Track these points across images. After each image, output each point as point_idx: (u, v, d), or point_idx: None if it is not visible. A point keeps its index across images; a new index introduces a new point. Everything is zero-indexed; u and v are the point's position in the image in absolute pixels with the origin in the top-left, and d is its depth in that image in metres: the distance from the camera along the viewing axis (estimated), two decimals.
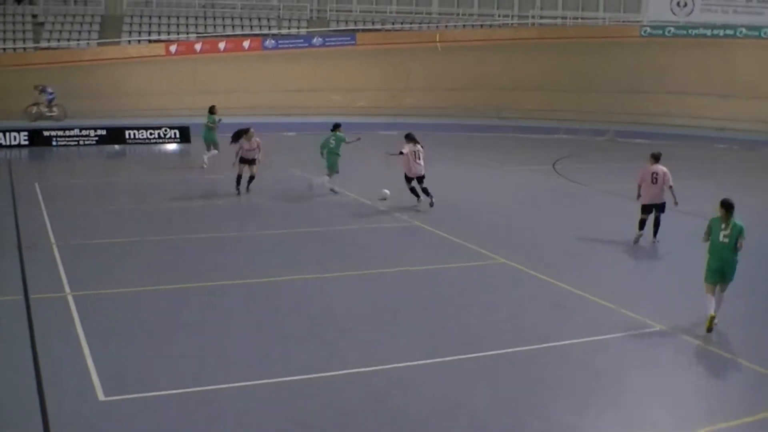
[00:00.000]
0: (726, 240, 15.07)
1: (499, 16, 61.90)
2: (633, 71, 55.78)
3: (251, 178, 27.85)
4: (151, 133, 42.56)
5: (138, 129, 42.72)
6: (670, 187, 21.76)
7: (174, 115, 48.10)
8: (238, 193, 27.48)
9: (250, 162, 27.77)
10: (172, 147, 42.04)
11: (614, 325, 15.14)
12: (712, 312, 14.74)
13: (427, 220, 23.69)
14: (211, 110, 33.06)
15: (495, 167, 34.93)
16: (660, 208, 22.07)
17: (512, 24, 61.60)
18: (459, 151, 39.41)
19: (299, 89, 53.29)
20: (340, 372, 12.53)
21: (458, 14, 61.76)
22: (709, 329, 14.65)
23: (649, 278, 19.17)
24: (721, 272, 15.17)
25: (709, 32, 57.12)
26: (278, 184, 29.48)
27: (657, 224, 22.13)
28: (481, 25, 60.78)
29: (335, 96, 53.59)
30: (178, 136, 42.73)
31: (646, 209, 22.09)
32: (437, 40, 57.67)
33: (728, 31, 56.87)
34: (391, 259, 19.71)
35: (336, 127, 28.53)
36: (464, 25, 60.58)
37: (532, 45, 57.49)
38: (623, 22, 60.92)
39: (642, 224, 22.09)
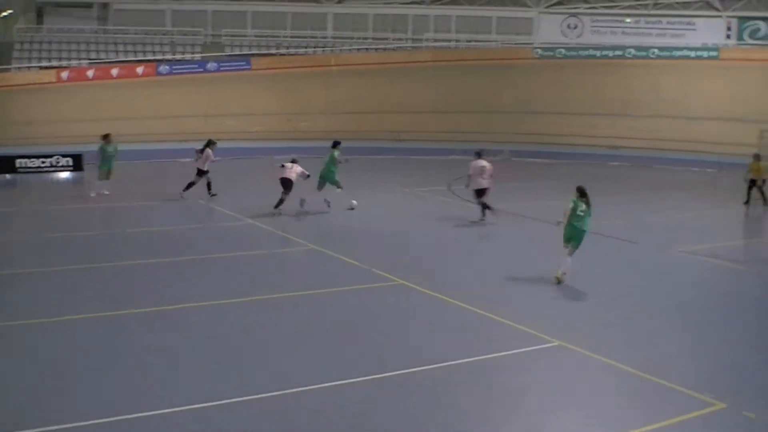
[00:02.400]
0: (582, 214, 20.19)
1: (393, 39, 62.53)
2: (527, 92, 56.90)
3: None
4: (43, 162, 41.79)
5: (29, 157, 41.88)
6: (491, 176, 28.22)
7: (66, 142, 47.42)
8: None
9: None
10: (65, 175, 41.43)
11: (513, 341, 15.52)
12: (563, 269, 20.10)
13: (326, 244, 23.87)
14: (106, 138, 32.84)
15: (393, 189, 35.33)
16: (484, 192, 28.28)
17: (407, 47, 62.26)
18: (354, 174, 39.62)
19: (194, 115, 53.00)
20: (250, 397, 12.56)
21: (353, 38, 62.18)
22: (559, 282, 20.02)
23: (545, 294, 19.54)
24: (572, 237, 20.24)
25: (599, 53, 58.68)
26: (181, 211, 29.42)
27: (485, 206, 28.23)
28: (376, 49, 61.29)
29: (230, 121, 53.45)
30: (71, 164, 42.01)
31: (479, 193, 28.31)
32: (332, 63, 58.05)
33: (618, 52, 58.50)
34: (292, 283, 19.85)
35: (336, 144, 30.83)
36: (359, 49, 61.03)
37: (427, 68, 58.22)
38: (516, 44, 62.06)
39: (484, 206, 28.27)
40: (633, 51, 58.52)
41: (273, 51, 59.92)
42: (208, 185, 31.91)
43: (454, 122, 55.62)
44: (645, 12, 61.50)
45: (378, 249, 23.96)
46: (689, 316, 18.11)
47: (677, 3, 61.12)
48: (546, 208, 30.75)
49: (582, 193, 20.37)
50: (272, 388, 12.93)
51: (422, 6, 63.19)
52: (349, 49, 60.88)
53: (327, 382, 13.19)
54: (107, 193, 32.05)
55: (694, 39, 59.88)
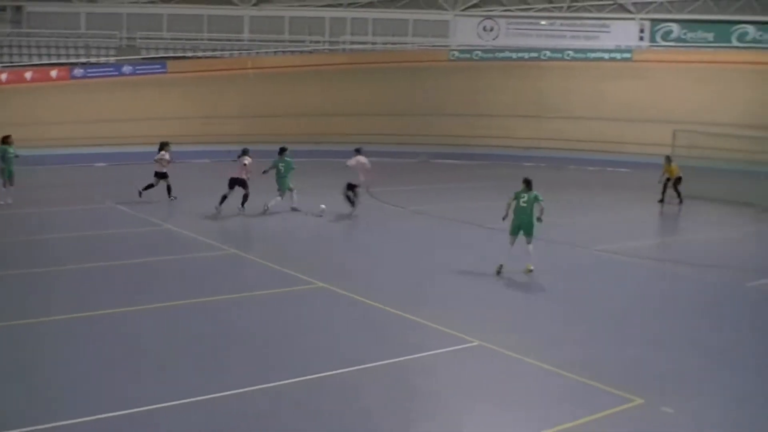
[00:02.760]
0: (525, 204, 21.47)
1: (310, 42, 62.40)
2: (444, 94, 57.21)
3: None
4: None
5: None
6: (367, 170, 30.04)
7: None
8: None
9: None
10: None
11: (433, 342, 15.59)
12: (503, 263, 21.27)
13: (245, 248, 23.74)
14: (5, 140, 31.66)
15: (312, 192, 35.18)
16: (357, 187, 29.89)
17: (324, 50, 62.17)
18: (270, 179, 39.41)
19: (110, 119, 52.28)
20: (163, 405, 12.40)
21: (270, 41, 61.91)
22: (498, 272, 21.22)
23: (464, 294, 19.68)
24: (519, 227, 21.50)
25: (514, 55, 59.23)
26: (95, 217, 28.98)
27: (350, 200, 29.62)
28: (293, 52, 61.11)
29: (145, 125, 52.79)
30: None
31: (352, 187, 29.82)
32: (249, 66, 57.75)
33: (533, 54, 59.11)
34: (211, 287, 19.62)
35: (282, 151, 31.45)
36: (276, 52, 60.80)
37: (345, 70, 58.18)
38: (433, 46, 62.31)
39: (349, 199, 29.60)
40: (548, 53, 59.19)
41: (189, 54, 59.37)
42: (168, 188, 31.93)
43: (371, 125, 55.58)
44: (560, 14, 62.18)
45: (298, 252, 23.87)
46: (607, 315, 18.35)
47: (591, 5, 61.90)
48: (463, 209, 31.04)
49: (527, 184, 21.70)
50: (187, 395, 12.78)
51: (339, 9, 63.13)
52: (266, 52, 60.60)
53: (243, 388, 13.10)
54: (10, 202, 30.88)
55: (608, 41, 60.68)
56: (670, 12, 60.85)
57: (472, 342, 15.58)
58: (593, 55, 58.97)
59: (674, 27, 60.63)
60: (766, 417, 12.82)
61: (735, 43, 59.09)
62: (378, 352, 14.93)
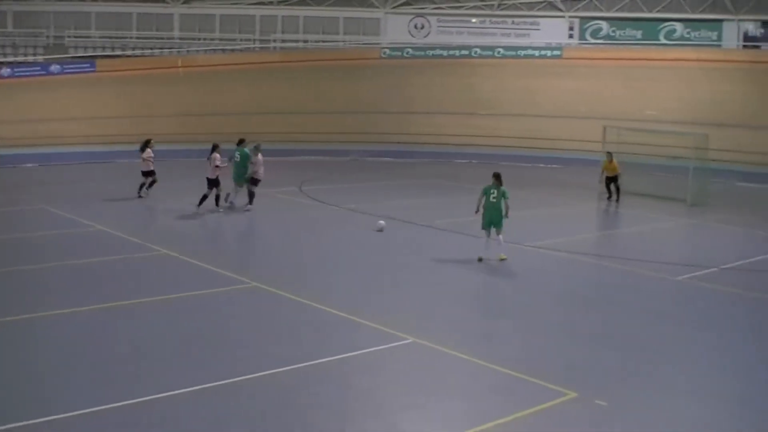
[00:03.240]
0: (494, 200, 22.86)
1: (241, 40, 62.09)
2: (376, 92, 57.15)
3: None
4: None
5: None
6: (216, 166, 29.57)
7: None
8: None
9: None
10: None
11: (368, 340, 15.63)
12: (481, 255, 22.89)
13: (178, 249, 23.47)
14: None
15: (243, 191, 35.00)
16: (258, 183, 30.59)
17: (255, 48, 61.90)
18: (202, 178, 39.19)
19: (38, 119, 51.51)
20: (93, 410, 12.22)
21: (200, 39, 61.50)
22: (480, 260, 22.86)
23: (398, 292, 19.76)
24: (491, 221, 22.92)
25: (446, 53, 59.52)
26: (23, 219, 28.56)
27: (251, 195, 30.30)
28: (223, 50, 60.76)
29: (74, 125, 52.13)
30: None
31: (255, 182, 30.33)
32: (180, 65, 57.29)
33: (464, 52, 59.44)
34: (144, 289, 19.38)
35: (240, 142, 31.80)
36: (206, 50, 60.41)
37: (276, 69, 57.94)
38: (364, 44, 62.35)
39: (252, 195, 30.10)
40: (479, 50, 59.54)
41: (119, 53, 58.78)
42: (150, 184, 32.64)
43: (304, 123, 55.37)
44: (490, 12, 62.57)
45: (231, 252, 23.83)
46: (540, 310, 18.53)
47: (522, 3, 62.38)
48: (396, 208, 31.10)
49: (497, 179, 23.16)
50: (118, 398, 12.63)
51: (270, 6, 62.89)
52: (197, 51, 60.20)
53: (176, 390, 13.00)
54: None
55: (538, 38, 61.24)
56: (599, 10, 61.54)
57: (406, 339, 15.65)
58: (524, 52, 59.47)
59: (603, 25, 61.38)
60: (699, 409, 13.02)
61: (663, 40, 60.00)
62: (312, 351, 14.90)
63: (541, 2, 62.12)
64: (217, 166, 29.88)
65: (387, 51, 60.35)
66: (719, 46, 59.14)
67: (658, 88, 54.45)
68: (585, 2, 61.48)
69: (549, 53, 59.23)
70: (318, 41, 62.69)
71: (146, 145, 32.51)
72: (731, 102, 51.92)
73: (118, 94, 54.55)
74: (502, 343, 15.95)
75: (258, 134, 53.01)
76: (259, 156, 30.72)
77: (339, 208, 31.59)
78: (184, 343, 15.51)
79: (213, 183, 30.06)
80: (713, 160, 38.41)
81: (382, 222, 27.23)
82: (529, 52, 59.51)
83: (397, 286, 20.37)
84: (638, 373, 14.49)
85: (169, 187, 34.28)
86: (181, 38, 61.50)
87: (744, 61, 55.86)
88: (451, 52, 59.89)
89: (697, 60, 56.29)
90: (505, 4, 62.52)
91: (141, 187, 32.44)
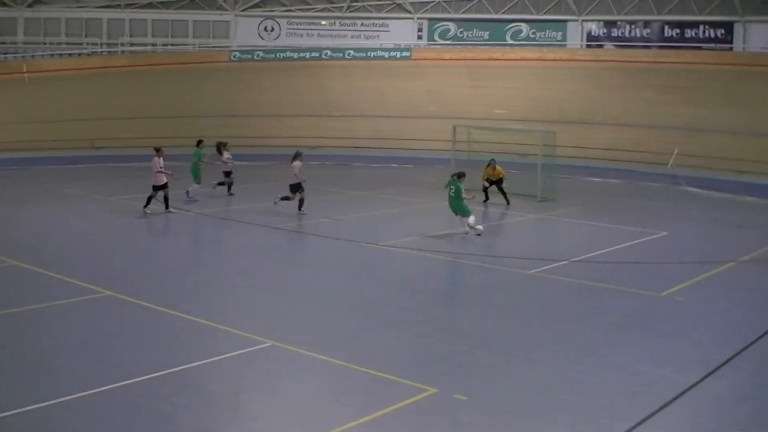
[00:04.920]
0: (452, 194, 26.99)
1: (88, 44, 60.73)
2: (227, 96, 56.64)
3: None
4: None
5: None
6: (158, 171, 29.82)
7: None
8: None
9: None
10: None
11: (226, 345, 15.37)
12: (478, 226, 26.94)
13: (25, 258, 22.63)
14: None
15: (95, 199, 34.22)
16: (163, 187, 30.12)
17: (102, 52, 60.65)
18: (55, 185, 38.19)
19: None
20: None
21: (45, 43, 59.94)
22: (479, 234, 26.81)
23: (256, 296, 19.56)
24: (455, 211, 27.20)
25: (296, 55, 59.44)
26: None
27: (166, 199, 30.14)
28: (70, 54, 59.33)
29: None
30: None
31: (159, 188, 29.94)
32: (24, 70, 55.68)
33: (314, 54, 59.45)
34: None
35: (198, 143, 34.88)
36: (52, 54, 58.88)
37: (124, 73, 56.93)
38: (213, 47, 61.76)
39: (149, 200, 29.90)
40: (329, 52, 59.66)
41: None
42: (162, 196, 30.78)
43: (154, 128, 54.21)
44: (340, 14, 62.73)
45: (80, 260, 23.07)
46: (395, 308, 18.54)
47: (370, 5, 62.72)
48: (252, 211, 30.79)
49: (456, 176, 27.41)
50: None
51: (117, 10, 61.71)
52: (42, 55, 58.64)
53: (26, 406, 12.46)
54: None
55: (387, 40, 61.69)
56: (447, 12, 62.36)
57: (265, 343, 15.44)
58: (374, 54, 59.86)
59: (451, 26, 62.23)
60: (561, 401, 13.17)
61: (509, 40, 61.13)
62: (169, 359, 14.56)
63: (390, 4, 62.59)
64: (159, 171, 29.84)
65: (237, 54, 59.93)
66: (564, 45, 60.58)
67: (505, 88, 55.53)
68: (433, 4, 62.21)
69: (398, 54, 59.73)
70: (166, 44, 61.81)
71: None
72: (575, 99, 53.28)
73: None
74: (361, 342, 15.88)
75: (106, 140, 52.22)
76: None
77: (192, 213, 31.11)
78: (35, 357, 14.91)
79: (158, 188, 30.00)
80: (560, 157, 39.19)
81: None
82: (379, 53, 59.92)
83: (254, 291, 20.13)
84: (498, 368, 14.61)
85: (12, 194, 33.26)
86: (26, 43, 59.79)
87: (587, 60, 57.41)
88: (302, 55, 59.87)
89: (541, 59, 57.62)
90: (354, 6, 62.77)
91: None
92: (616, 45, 60.42)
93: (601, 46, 60.52)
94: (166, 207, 30.03)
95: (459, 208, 27.13)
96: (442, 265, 23.71)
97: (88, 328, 16.73)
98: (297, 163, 30.69)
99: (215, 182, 34.68)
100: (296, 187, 30.42)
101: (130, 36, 61.92)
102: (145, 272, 21.90)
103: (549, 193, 35.72)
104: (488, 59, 58.20)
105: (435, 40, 62.41)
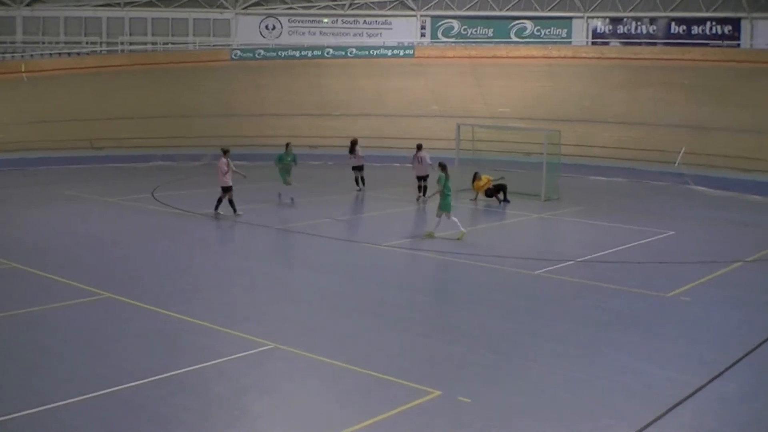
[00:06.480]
0: (448, 192, 26.17)
1: (87, 43, 60.84)
2: (227, 95, 56.78)
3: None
4: None
5: None
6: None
7: None
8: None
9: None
10: None
11: (229, 347, 15.38)
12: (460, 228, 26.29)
13: (25, 261, 22.71)
14: None
15: (95, 200, 34.31)
16: None
17: (101, 51, 60.75)
18: (54, 186, 38.27)
19: None
20: None
21: (44, 42, 60.05)
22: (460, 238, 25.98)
23: (257, 298, 19.58)
24: (447, 206, 26.17)
25: (298, 54, 59.50)
26: None
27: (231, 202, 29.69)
28: (69, 53, 59.43)
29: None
30: None
31: (226, 189, 29.58)
32: (23, 70, 55.79)
33: (316, 52, 59.53)
34: None
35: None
36: (51, 54, 58.99)
37: (124, 72, 57.07)
38: (214, 46, 61.84)
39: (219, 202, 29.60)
40: (331, 51, 59.78)
41: None
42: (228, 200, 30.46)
43: (153, 128, 54.45)
44: (342, 12, 62.86)
45: (80, 262, 23.11)
46: (398, 308, 18.58)
47: (373, 3, 62.82)
48: (251, 212, 30.84)
49: (444, 167, 26.88)
50: None
51: (116, 8, 61.84)
52: (41, 54, 58.75)
53: (33, 408, 12.54)
54: None
55: (390, 38, 61.80)
56: (451, 9, 62.48)
57: (267, 345, 15.49)
58: (376, 52, 59.99)
59: (455, 23, 62.36)
60: (563, 402, 13.23)
61: (514, 38, 61.25)
62: (170, 362, 14.60)
63: (393, 2, 62.68)
64: (227, 173, 29.88)
65: (238, 52, 60.04)
66: (569, 43, 60.66)
67: (509, 86, 55.55)
68: (436, 1, 62.32)
69: (401, 52, 59.86)
70: (166, 43, 61.91)
71: (224, 154, 30.55)
72: (580, 97, 53.31)
73: None
74: (364, 344, 15.92)
75: (105, 140, 52.31)
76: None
77: (193, 214, 31.16)
78: (35, 359, 14.95)
79: (226, 190, 29.98)
80: (565, 155, 39.23)
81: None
82: (382, 51, 60.07)
83: (255, 291, 20.16)
84: (502, 369, 14.65)
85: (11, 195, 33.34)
86: (24, 42, 59.90)
87: (592, 57, 57.49)
88: (303, 53, 59.97)
89: (546, 57, 57.71)
90: (356, 3, 62.87)
91: (231, 204, 30.31)
92: (621, 42, 60.56)
93: (606, 43, 60.66)
94: (234, 211, 29.86)
95: (442, 203, 26.49)
96: (445, 266, 23.74)
97: (89, 331, 16.76)
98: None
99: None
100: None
101: (130, 35, 62.06)
102: (144, 274, 21.94)
103: (553, 192, 35.77)
104: (492, 57, 58.34)
105: (438, 38, 62.52)
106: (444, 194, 26.39)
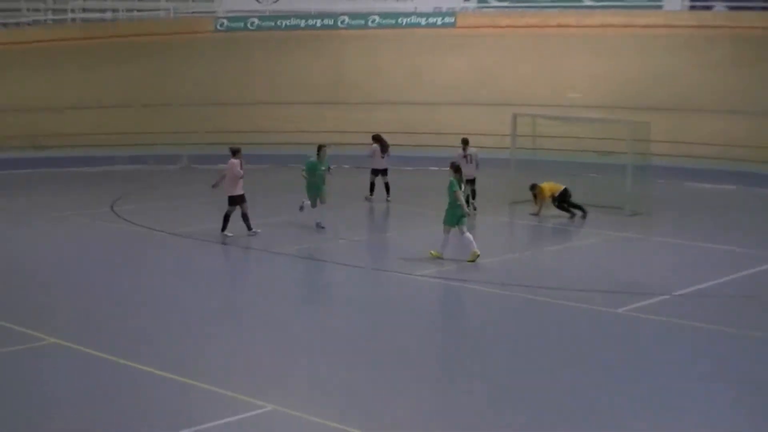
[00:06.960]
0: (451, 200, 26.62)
1: (28, 10, 61.02)
2: (210, 77, 56.77)
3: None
4: None
5: None
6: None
7: None
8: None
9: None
10: None
11: (217, 411, 15.18)
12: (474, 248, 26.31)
13: None
14: None
15: (37, 216, 34.28)
16: None
17: (46, 21, 60.94)
18: None
19: None
20: None
21: None
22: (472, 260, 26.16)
23: (248, 346, 19.39)
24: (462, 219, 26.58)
25: (303, 23, 59.40)
26: None
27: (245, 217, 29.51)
28: (5, 24, 59.69)
29: None
30: None
31: (235, 201, 29.40)
32: None
33: (327, 22, 59.36)
34: None
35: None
36: None
37: (76, 49, 57.16)
38: (193, 13, 61.93)
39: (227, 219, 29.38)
40: (347, 19, 59.61)
41: None
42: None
43: (115, 121, 54.51)
44: None
45: (17, 299, 22.99)
46: (430, 360, 18.42)
47: None
48: (241, 229, 30.77)
49: (457, 170, 27.14)
50: None
51: None
52: None
53: None
54: None
55: (425, 1, 61.48)
56: None
57: (265, 407, 15.27)
58: (406, 20, 59.74)
59: None
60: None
61: (586, 2, 60.85)
62: (149, 424, 14.57)
63: None
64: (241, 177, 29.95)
65: (224, 22, 60.09)
66: (660, 7, 60.12)
67: (581, 64, 55.21)
68: None
69: (438, 21, 59.66)
70: (131, 10, 62.04)
71: (234, 154, 30.86)
72: (674, 79, 52.89)
73: None
74: (387, 408, 15.69)
75: (52, 137, 52.37)
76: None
77: (159, 232, 31.09)
78: None
79: (236, 200, 29.83)
80: (655, 155, 38.94)
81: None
82: (413, 19, 59.85)
83: (246, 338, 20.01)
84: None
85: None
86: None
87: (690, 26, 56.79)
88: (310, 23, 59.90)
89: (629, 26, 57.31)
90: None
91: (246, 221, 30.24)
92: (728, 6, 60.09)
93: (709, 8, 60.21)
94: (248, 228, 29.73)
95: (449, 216, 26.76)
96: (495, 302, 23.47)
97: (28, 385, 16.61)
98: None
99: None
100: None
101: (84, 0, 62.20)
102: (101, 313, 21.78)
103: (640, 203, 35.44)
104: (558, 26, 58.05)
105: (488, 1, 62.25)
106: (451, 204, 26.62)
